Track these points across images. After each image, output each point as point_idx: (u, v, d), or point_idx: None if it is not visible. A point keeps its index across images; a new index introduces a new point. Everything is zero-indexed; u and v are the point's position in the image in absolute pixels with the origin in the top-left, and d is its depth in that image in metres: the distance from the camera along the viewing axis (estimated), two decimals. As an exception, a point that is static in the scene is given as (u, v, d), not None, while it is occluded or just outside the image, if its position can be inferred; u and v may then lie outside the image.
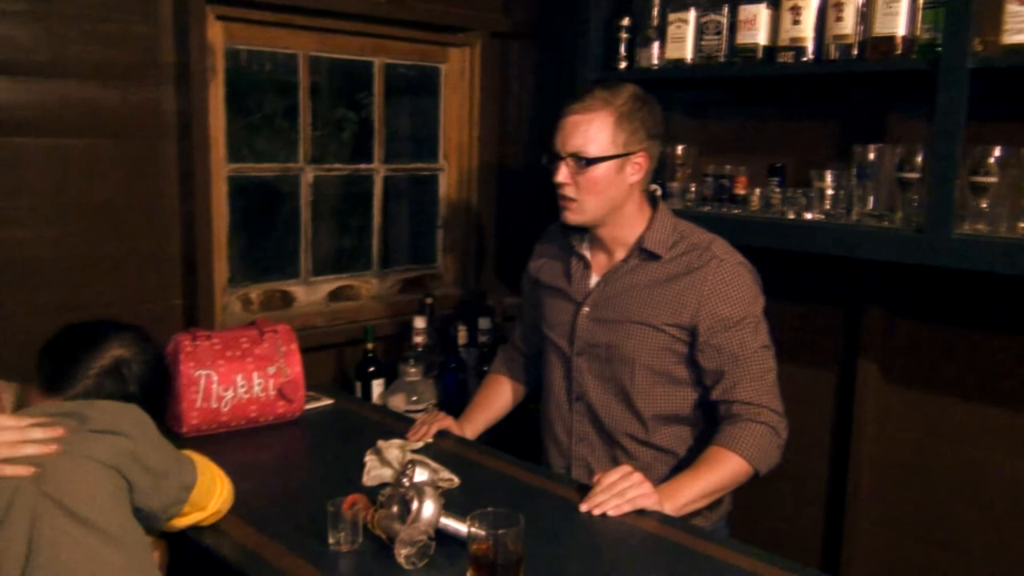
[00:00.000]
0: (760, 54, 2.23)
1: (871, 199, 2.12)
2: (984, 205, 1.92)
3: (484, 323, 2.78)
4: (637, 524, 1.65)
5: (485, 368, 2.42)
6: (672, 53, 2.41)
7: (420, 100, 3.09)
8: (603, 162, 1.86)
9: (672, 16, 2.40)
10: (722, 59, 2.32)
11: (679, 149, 2.52)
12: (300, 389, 2.17)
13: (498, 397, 2.26)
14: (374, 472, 1.82)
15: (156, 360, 1.76)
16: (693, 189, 2.47)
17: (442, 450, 1.99)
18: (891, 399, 2.40)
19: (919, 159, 2.00)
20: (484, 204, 3.11)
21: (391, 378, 2.57)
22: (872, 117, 2.30)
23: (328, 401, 2.34)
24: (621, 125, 1.86)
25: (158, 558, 1.57)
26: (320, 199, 2.83)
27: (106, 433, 1.41)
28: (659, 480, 1.83)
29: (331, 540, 1.51)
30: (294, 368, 2.16)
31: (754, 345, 1.86)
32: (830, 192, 2.19)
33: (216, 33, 2.43)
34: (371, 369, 2.59)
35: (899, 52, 1.98)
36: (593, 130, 1.86)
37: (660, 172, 2.54)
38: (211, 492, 1.57)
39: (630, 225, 1.96)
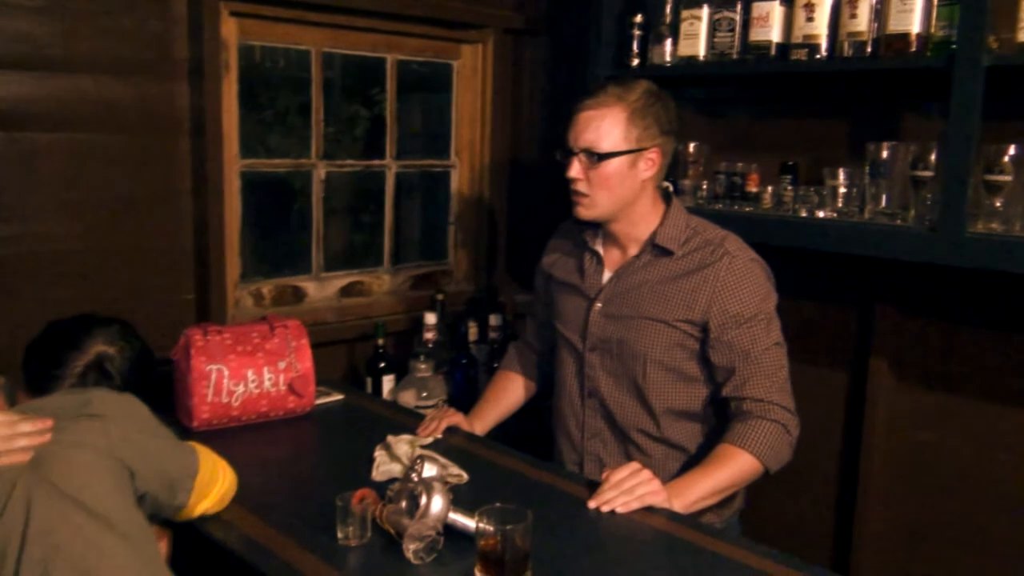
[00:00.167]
0: (773, 51, 2.21)
1: (884, 197, 2.10)
2: (998, 204, 1.91)
3: (495, 320, 2.78)
4: (645, 521, 1.64)
5: (495, 365, 2.42)
6: (685, 50, 2.40)
7: (432, 97, 3.10)
8: (615, 157, 1.86)
9: (685, 13, 2.39)
10: (735, 56, 2.30)
11: (691, 146, 2.51)
12: (310, 384, 2.17)
13: (508, 393, 2.26)
14: (383, 467, 1.82)
15: (141, 353, 1.77)
16: (705, 186, 2.46)
17: (451, 446, 2.00)
18: (903, 398, 2.39)
19: (933, 157, 1.99)
20: (496, 201, 3.11)
21: (401, 374, 2.57)
22: (885, 115, 2.29)
23: (338, 396, 2.34)
24: (634, 121, 1.86)
25: (164, 548, 1.57)
26: (332, 195, 2.84)
27: (99, 418, 1.41)
28: (670, 476, 1.83)
29: (340, 534, 1.52)
30: (304, 363, 2.17)
31: (766, 342, 1.85)
32: (843, 190, 2.18)
33: (230, 29, 2.44)
34: (381, 365, 2.60)
35: (913, 50, 1.97)
36: (606, 125, 1.85)
37: (672, 169, 2.53)
38: (214, 480, 1.58)
39: (643, 221, 1.95)
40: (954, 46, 1.88)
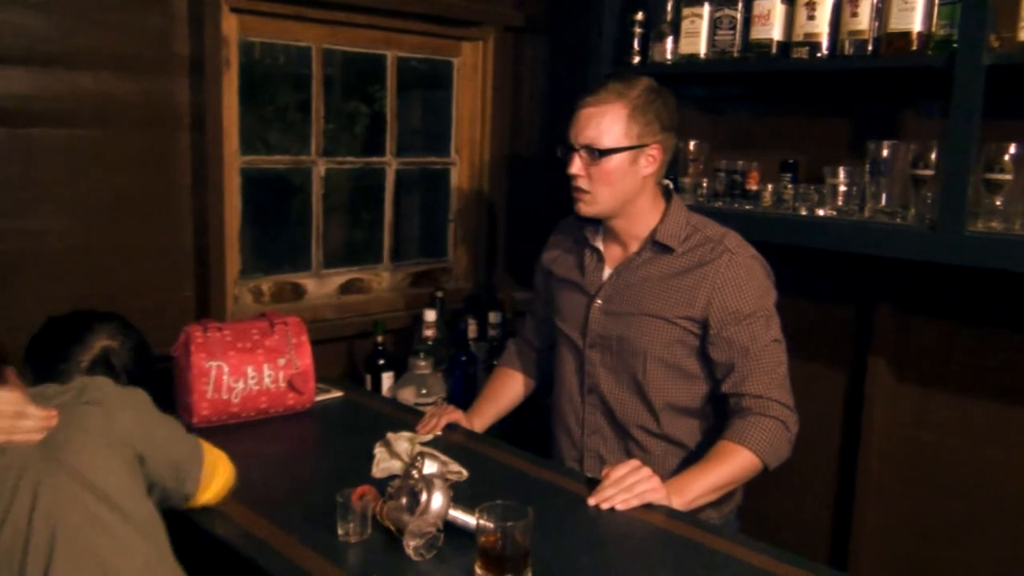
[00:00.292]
0: (774, 50, 2.21)
1: (884, 196, 2.10)
2: (998, 202, 1.91)
3: (494, 317, 2.78)
4: (645, 518, 1.65)
5: (495, 362, 2.42)
6: (686, 48, 2.40)
7: (432, 94, 3.09)
8: (616, 154, 1.86)
9: (686, 11, 2.39)
10: (736, 54, 2.30)
11: (691, 144, 2.51)
12: (310, 381, 2.17)
13: (507, 390, 2.26)
14: (383, 464, 1.82)
15: (141, 346, 1.80)
16: (705, 184, 2.46)
17: (451, 443, 2.00)
18: (901, 396, 2.40)
19: (933, 156, 1.99)
20: (495, 198, 3.11)
21: (401, 371, 2.57)
22: (886, 114, 2.29)
23: (338, 393, 2.35)
24: (635, 117, 1.86)
25: None
26: (332, 192, 2.84)
27: (99, 405, 1.43)
28: (670, 473, 1.83)
29: (340, 531, 1.52)
30: (304, 360, 2.17)
31: (765, 339, 1.86)
32: (843, 188, 2.18)
33: (230, 25, 2.44)
34: (381, 362, 2.60)
35: (914, 48, 1.97)
36: (607, 122, 1.86)
37: (673, 167, 2.54)
38: (215, 472, 1.61)
39: (644, 218, 1.96)
40: (955, 45, 1.88)
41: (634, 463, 1.73)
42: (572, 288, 2.07)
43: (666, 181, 2.47)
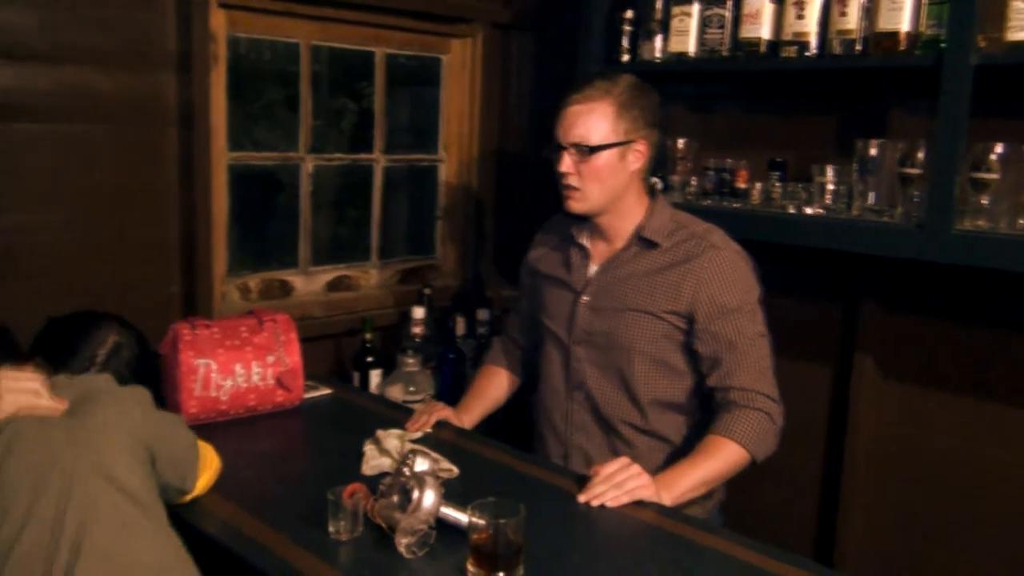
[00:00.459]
0: (763, 48, 2.22)
1: (872, 194, 2.12)
2: (985, 201, 1.92)
3: (482, 314, 2.78)
4: (637, 515, 1.65)
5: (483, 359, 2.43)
6: (675, 46, 2.41)
7: (421, 91, 3.09)
8: (606, 150, 1.88)
9: (675, 9, 2.39)
10: (725, 53, 2.31)
11: (680, 143, 2.52)
12: (299, 378, 2.17)
13: (495, 387, 2.26)
14: (373, 462, 1.82)
15: (144, 343, 1.80)
16: (694, 182, 2.47)
17: (441, 440, 1.99)
18: (887, 393, 2.41)
19: (920, 155, 2.00)
20: (483, 196, 3.11)
21: (389, 368, 2.57)
22: (874, 113, 2.30)
23: (327, 391, 2.34)
24: (621, 114, 1.89)
25: None
26: (320, 189, 2.83)
27: (113, 397, 1.47)
28: (655, 468, 1.84)
29: (331, 529, 1.51)
30: (293, 357, 2.16)
31: (751, 332, 1.88)
32: (831, 187, 2.19)
33: (219, 21, 2.42)
34: (369, 359, 2.59)
35: (902, 48, 1.98)
36: (595, 119, 1.88)
37: (661, 165, 2.54)
38: (204, 464, 1.62)
39: (630, 214, 1.97)
40: (943, 45, 1.89)
41: (624, 460, 1.74)
42: (558, 285, 2.07)
43: (655, 179, 2.49)
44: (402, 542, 1.44)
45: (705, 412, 1.95)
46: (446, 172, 3.11)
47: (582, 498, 1.68)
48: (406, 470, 1.57)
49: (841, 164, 2.18)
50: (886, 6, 1.99)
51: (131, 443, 1.43)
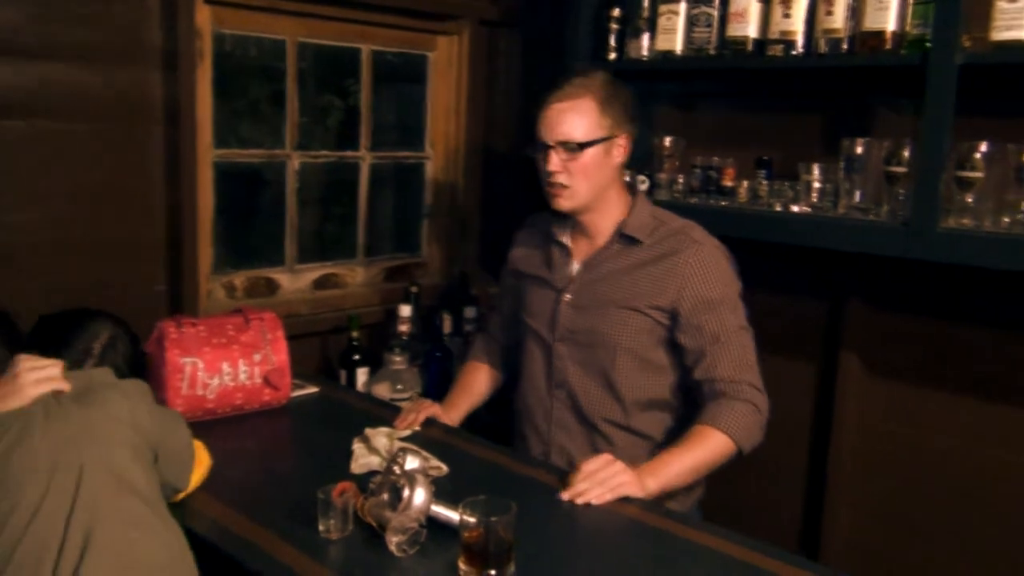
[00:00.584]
0: (750, 47, 2.23)
1: (858, 193, 2.13)
2: (969, 200, 1.94)
3: (470, 312, 2.78)
4: (628, 513, 1.65)
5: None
6: (662, 45, 2.41)
7: (407, 88, 3.08)
8: (593, 146, 1.90)
9: (663, 8, 2.39)
10: (712, 51, 2.32)
11: (667, 141, 2.52)
12: (286, 376, 2.16)
13: (479, 383, 2.27)
14: (362, 460, 1.81)
15: (134, 338, 1.81)
16: (681, 180, 2.47)
17: (429, 438, 1.99)
18: (872, 390, 2.43)
19: (906, 153, 2.01)
20: (470, 193, 3.11)
21: (376, 366, 2.56)
22: (860, 111, 2.31)
23: (314, 389, 2.33)
24: (604, 109, 1.91)
25: None
26: (306, 186, 2.81)
27: (118, 391, 1.48)
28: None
29: (321, 527, 1.51)
30: (280, 355, 2.15)
31: (734, 325, 1.90)
32: (817, 185, 2.20)
33: (204, 17, 2.41)
34: (356, 357, 2.59)
35: (888, 47, 1.99)
36: (580, 116, 1.90)
37: (648, 163, 2.55)
38: (197, 461, 1.62)
39: (613, 210, 2.00)
40: (928, 44, 1.91)
41: (607, 457, 1.74)
42: (540, 284, 2.08)
43: (641, 178, 2.50)
44: (393, 540, 1.44)
45: (688, 409, 1.97)
46: (432, 169, 3.10)
47: (565, 496, 1.68)
48: (396, 468, 1.56)
49: (827, 162, 2.19)
50: (872, 6, 2.00)
51: (137, 439, 1.43)
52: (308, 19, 2.67)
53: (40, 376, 1.44)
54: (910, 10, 1.97)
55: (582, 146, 1.89)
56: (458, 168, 3.08)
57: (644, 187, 2.49)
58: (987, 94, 2.04)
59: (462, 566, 1.39)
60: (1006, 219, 1.90)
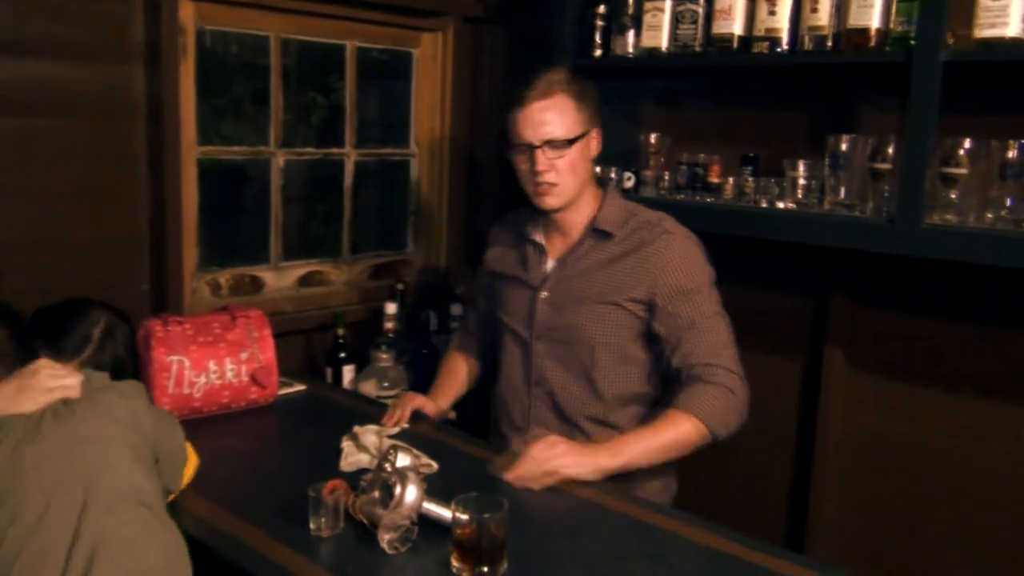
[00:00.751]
0: (735, 44, 2.24)
1: (843, 189, 2.14)
2: (953, 196, 1.95)
3: (456, 309, 2.78)
4: (621, 509, 1.67)
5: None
6: (648, 41, 2.41)
7: (392, 85, 3.07)
8: (578, 141, 1.92)
9: (648, 4, 2.40)
10: (697, 48, 2.32)
11: (652, 137, 2.53)
12: (273, 375, 2.15)
13: (462, 373, 2.28)
14: (351, 458, 1.81)
15: (131, 326, 1.81)
16: (667, 177, 2.48)
17: (419, 435, 1.99)
18: (856, 385, 2.44)
19: (891, 150, 2.03)
20: (455, 189, 3.10)
21: (362, 364, 2.56)
22: (845, 108, 2.33)
23: (301, 387, 2.32)
24: (579, 105, 1.94)
25: None
26: (290, 183, 2.80)
27: (118, 392, 1.49)
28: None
29: (312, 525, 1.51)
30: (267, 354, 2.15)
31: (709, 311, 1.91)
32: (803, 182, 2.21)
33: (187, 13, 2.39)
34: (342, 355, 2.58)
35: (873, 44, 2.01)
36: (561, 114, 1.91)
37: (634, 160, 2.56)
38: (187, 461, 1.62)
39: (587, 205, 2.01)
40: (913, 41, 1.92)
41: (552, 439, 1.77)
42: (516, 283, 2.09)
43: (627, 174, 2.51)
44: (384, 538, 1.43)
45: (668, 401, 1.97)
46: (418, 166, 3.09)
47: (508, 477, 1.71)
48: (387, 466, 1.56)
49: (813, 159, 2.21)
50: (857, 3, 2.01)
51: (138, 440, 1.43)
52: (292, 15, 2.65)
53: (58, 384, 1.43)
54: (894, 7, 1.98)
55: (570, 142, 1.90)
56: (443, 165, 3.07)
57: (630, 184, 2.50)
58: (971, 91, 2.05)
59: (454, 563, 1.39)
60: (990, 215, 1.92)
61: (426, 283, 3.07)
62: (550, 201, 1.95)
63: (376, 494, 1.50)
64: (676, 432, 1.81)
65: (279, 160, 2.73)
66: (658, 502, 1.97)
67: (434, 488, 1.57)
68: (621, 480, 1.81)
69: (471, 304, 2.37)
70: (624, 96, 2.69)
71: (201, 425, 2.01)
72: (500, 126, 3.06)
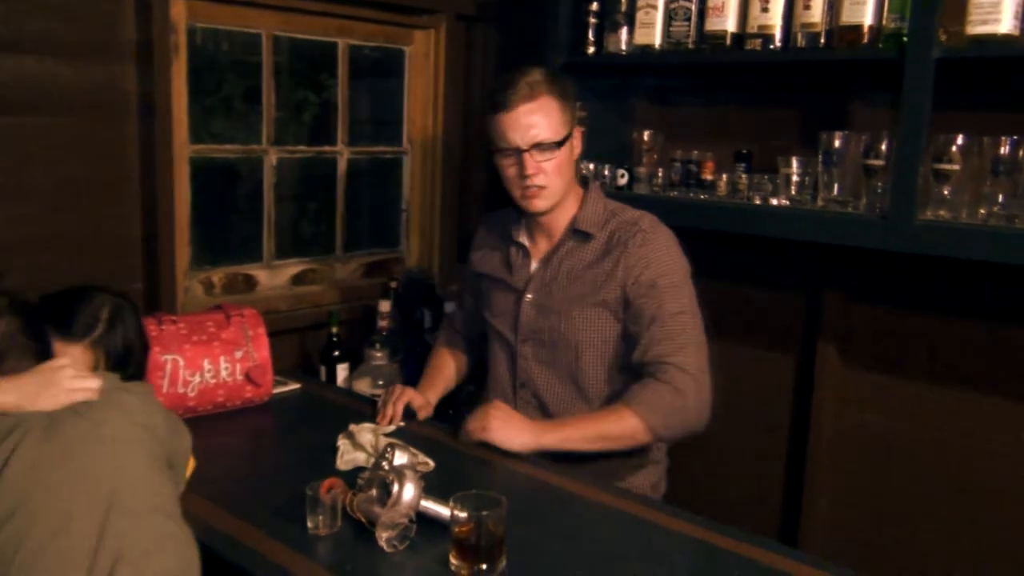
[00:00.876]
0: (728, 41, 2.24)
1: (836, 186, 2.15)
2: (946, 192, 1.96)
3: (449, 307, 2.77)
4: (619, 506, 1.67)
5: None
6: (641, 39, 2.41)
7: (384, 83, 3.06)
8: (565, 143, 1.92)
9: (641, 2, 2.39)
10: (690, 46, 2.32)
11: (646, 134, 2.53)
12: (268, 373, 2.15)
13: (450, 368, 2.28)
14: (348, 456, 1.81)
15: (135, 308, 1.79)
16: (660, 174, 2.48)
17: (415, 433, 1.99)
18: (850, 381, 2.45)
19: (884, 146, 2.03)
20: (448, 188, 3.10)
21: (356, 362, 2.55)
22: (838, 105, 2.33)
23: (295, 385, 2.32)
24: (563, 105, 1.94)
25: None
26: (283, 181, 2.79)
27: (135, 395, 1.48)
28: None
29: (310, 524, 1.50)
30: (261, 352, 2.14)
31: (673, 308, 1.89)
32: (796, 178, 2.22)
33: (179, 11, 2.37)
34: (336, 353, 2.58)
35: (865, 41, 2.01)
36: (547, 116, 1.90)
37: (627, 157, 2.56)
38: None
39: (570, 206, 2.01)
40: (905, 38, 1.92)
41: (500, 405, 1.86)
42: (501, 286, 2.10)
43: (620, 171, 2.51)
44: (383, 536, 1.43)
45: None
46: (410, 164, 3.09)
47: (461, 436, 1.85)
48: (385, 464, 1.56)
49: (806, 156, 2.21)
50: (849, 0, 2.02)
51: (151, 440, 1.42)
52: (284, 12, 2.64)
53: (80, 386, 1.42)
54: (887, 4, 1.98)
55: (558, 144, 1.90)
56: (436, 162, 3.07)
57: (623, 181, 2.50)
58: (963, 87, 2.06)
59: (453, 561, 1.39)
60: (982, 211, 1.93)
61: (419, 280, 3.06)
62: (539, 204, 1.95)
63: (374, 492, 1.50)
64: (617, 425, 1.83)
65: (271, 158, 2.73)
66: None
67: (432, 486, 1.56)
68: (605, 474, 1.82)
69: (458, 301, 2.36)
70: (617, 93, 2.69)
71: (196, 424, 1.98)
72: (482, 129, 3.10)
